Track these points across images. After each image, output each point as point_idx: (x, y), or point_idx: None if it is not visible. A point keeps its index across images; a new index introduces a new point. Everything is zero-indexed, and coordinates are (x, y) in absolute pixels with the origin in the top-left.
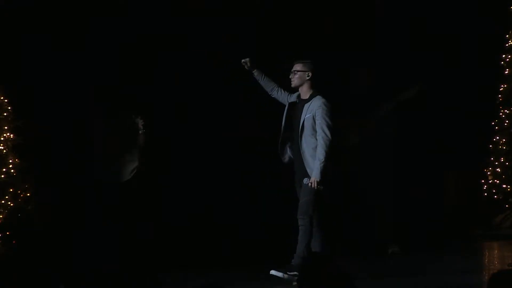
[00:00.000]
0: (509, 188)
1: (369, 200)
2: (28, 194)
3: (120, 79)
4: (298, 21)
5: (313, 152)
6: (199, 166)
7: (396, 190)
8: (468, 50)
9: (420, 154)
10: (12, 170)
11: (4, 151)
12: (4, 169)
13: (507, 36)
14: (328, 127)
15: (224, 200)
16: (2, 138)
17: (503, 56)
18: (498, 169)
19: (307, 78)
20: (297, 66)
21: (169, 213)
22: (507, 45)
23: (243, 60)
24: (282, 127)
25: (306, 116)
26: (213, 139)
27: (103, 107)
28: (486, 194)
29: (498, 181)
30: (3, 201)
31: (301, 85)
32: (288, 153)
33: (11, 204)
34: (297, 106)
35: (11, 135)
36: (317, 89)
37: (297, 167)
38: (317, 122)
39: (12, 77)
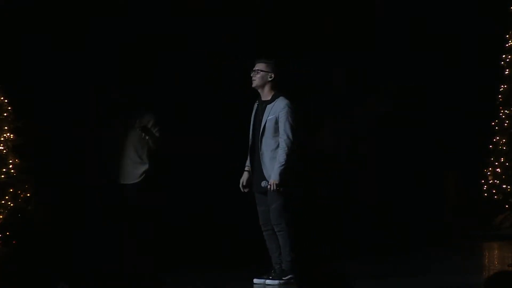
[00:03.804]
0: (509, 188)
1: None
2: (28, 194)
3: (120, 79)
4: (298, 21)
5: (272, 154)
6: (199, 166)
7: (397, 190)
8: (468, 50)
9: (420, 154)
10: (12, 170)
11: (4, 151)
12: (4, 169)
13: (507, 36)
14: (292, 129)
15: (224, 200)
16: (2, 139)
17: (503, 56)
18: (498, 169)
19: (269, 79)
20: (260, 65)
21: (169, 213)
22: (507, 45)
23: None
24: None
25: (269, 117)
26: (212, 139)
27: (103, 107)
28: (486, 194)
29: (498, 181)
30: (3, 201)
31: (262, 86)
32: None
33: (11, 204)
34: (258, 109)
35: (11, 135)
36: (279, 90)
37: (256, 171)
38: (280, 124)
39: (12, 77)
